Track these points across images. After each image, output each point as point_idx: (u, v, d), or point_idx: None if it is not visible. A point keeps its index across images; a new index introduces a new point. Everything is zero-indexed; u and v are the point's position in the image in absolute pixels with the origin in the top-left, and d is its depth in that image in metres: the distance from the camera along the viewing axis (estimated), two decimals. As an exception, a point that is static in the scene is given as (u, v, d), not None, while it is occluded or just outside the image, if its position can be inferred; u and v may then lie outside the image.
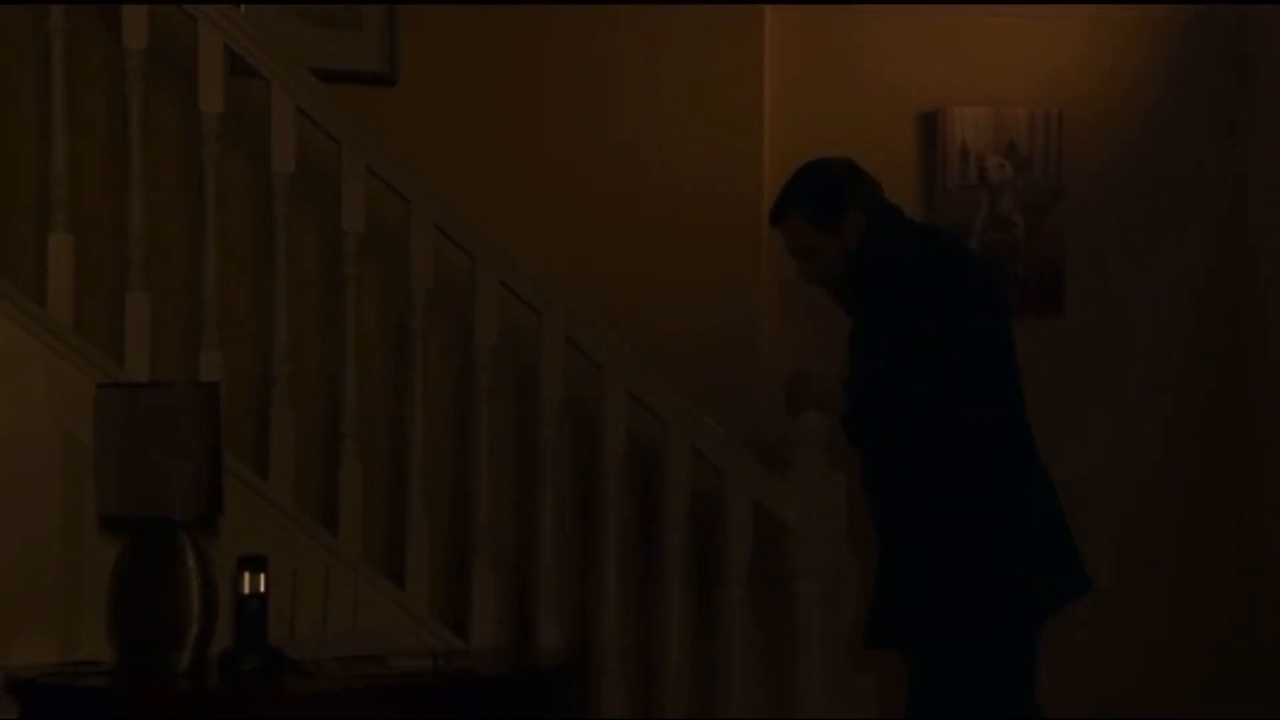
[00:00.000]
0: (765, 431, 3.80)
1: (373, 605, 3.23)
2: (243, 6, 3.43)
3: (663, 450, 3.36)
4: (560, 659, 3.28)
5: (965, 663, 3.10)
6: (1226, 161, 4.35)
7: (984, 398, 3.18)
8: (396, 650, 3.13)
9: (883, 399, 3.15)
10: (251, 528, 3.16)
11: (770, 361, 3.94)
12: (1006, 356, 3.24)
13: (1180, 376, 4.34)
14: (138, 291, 3.21)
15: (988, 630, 3.11)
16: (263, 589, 3.07)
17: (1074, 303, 4.27)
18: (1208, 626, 4.33)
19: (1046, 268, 4.25)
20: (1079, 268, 4.26)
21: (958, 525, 3.13)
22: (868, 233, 3.27)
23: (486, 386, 3.33)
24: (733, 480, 3.33)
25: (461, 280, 3.38)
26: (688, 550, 3.38)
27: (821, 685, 3.30)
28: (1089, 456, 4.26)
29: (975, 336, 3.19)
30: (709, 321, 3.94)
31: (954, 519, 3.13)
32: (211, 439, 3.05)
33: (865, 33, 4.15)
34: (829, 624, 3.34)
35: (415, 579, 3.29)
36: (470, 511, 3.35)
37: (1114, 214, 4.32)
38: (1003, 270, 4.19)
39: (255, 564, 3.07)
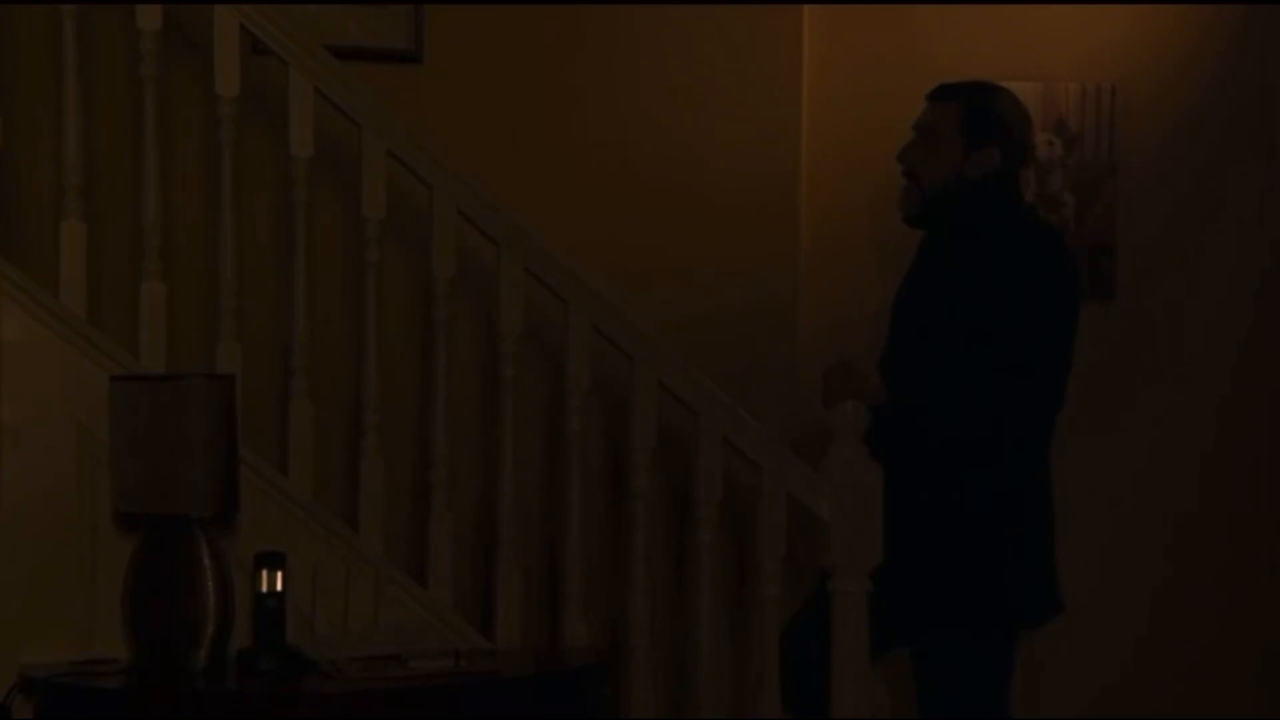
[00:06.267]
0: (801, 419, 3.71)
1: (395, 603, 3.15)
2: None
3: (694, 441, 3.25)
4: (588, 658, 3.19)
5: (968, 658, 3.11)
6: (1286, 139, 4.21)
7: (1055, 409, 3.15)
8: (418, 649, 3.05)
9: (966, 403, 3.07)
10: (270, 524, 3.09)
11: (806, 346, 3.85)
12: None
13: (1237, 364, 4.19)
14: (153, 281, 3.13)
15: (989, 627, 3.12)
16: (280, 587, 3.00)
17: (1126, 286, 4.13)
18: (1268, 620, 4.19)
19: (1097, 249, 4.12)
20: (1131, 250, 4.13)
21: (971, 523, 3.11)
22: (991, 179, 3.16)
23: (511, 377, 3.23)
24: (766, 472, 3.22)
25: (487, 267, 3.29)
26: (720, 546, 3.27)
27: (858, 685, 3.19)
28: (1141, 448, 4.15)
29: (1070, 347, 3.15)
30: (745, 305, 3.86)
31: (967, 517, 3.10)
32: (227, 433, 2.97)
33: (906, 8, 4.02)
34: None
35: (438, 576, 3.20)
36: (496, 506, 3.26)
37: (1168, 194, 4.17)
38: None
39: (273, 561, 3.00)
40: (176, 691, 2.90)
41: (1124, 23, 4.13)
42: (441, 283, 3.21)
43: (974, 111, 3.19)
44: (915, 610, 3.16)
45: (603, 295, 3.22)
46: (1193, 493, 4.20)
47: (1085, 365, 4.10)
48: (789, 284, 3.90)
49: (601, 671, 3.19)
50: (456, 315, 3.27)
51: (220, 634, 2.96)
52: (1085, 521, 4.09)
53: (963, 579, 3.13)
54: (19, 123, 3.21)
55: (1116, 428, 4.16)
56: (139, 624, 2.98)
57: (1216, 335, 4.19)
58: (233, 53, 3.13)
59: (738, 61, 3.87)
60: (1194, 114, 4.15)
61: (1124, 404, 4.16)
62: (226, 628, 2.97)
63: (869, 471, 3.17)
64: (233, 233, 3.16)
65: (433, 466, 3.22)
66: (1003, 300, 3.08)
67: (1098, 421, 4.13)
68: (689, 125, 3.84)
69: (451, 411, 3.23)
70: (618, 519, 3.57)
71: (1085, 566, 4.06)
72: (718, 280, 3.86)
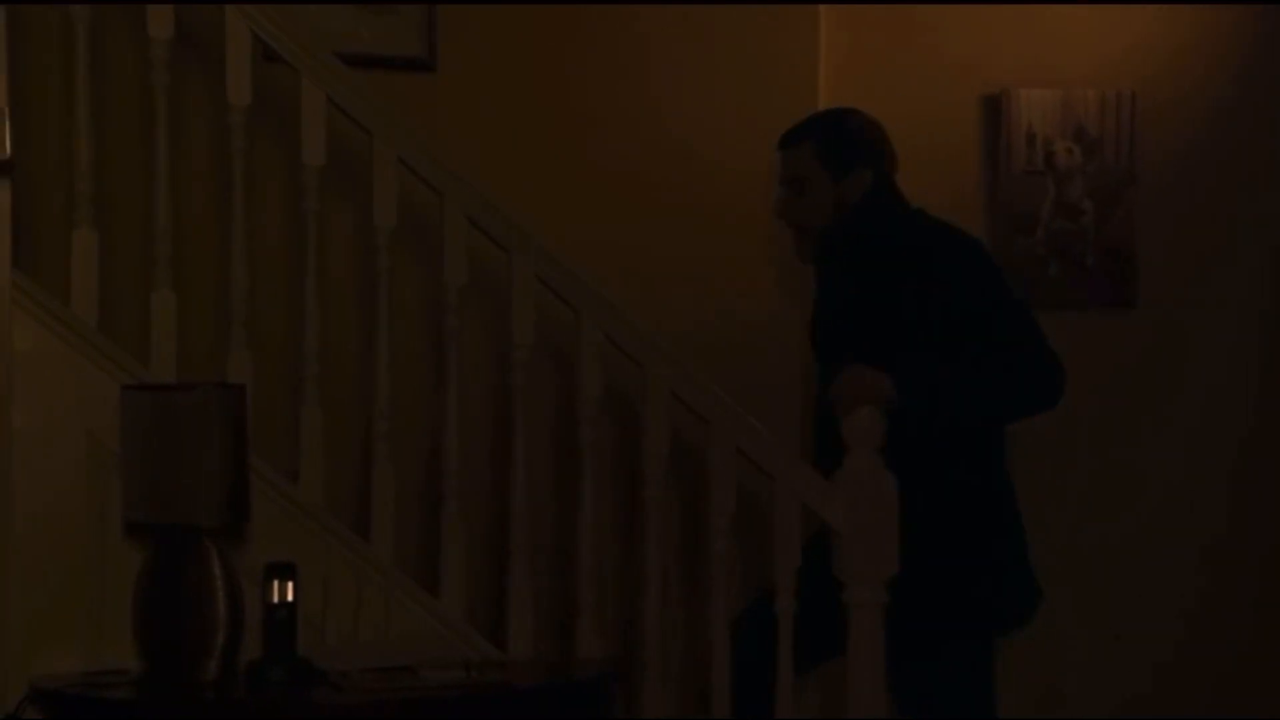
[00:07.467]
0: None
1: (406, 613, 3.13)
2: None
3: (706, 451, 3.22)
4: (599, 669, 3.17)
5: (952, 669, 3.10)
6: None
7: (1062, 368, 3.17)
8: (429, 660, 3.04)
9: (994, 386, 3.08)
10: (281, 533, 3.07)
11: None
12: None
13: (1262, 376, 4.14)
14: (163, 290, 3.12)
15: (982, 631, 3.12)
16: (291, 597, 2.97)
17: (1147, 296, 4.09)
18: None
19: (1117, 258, 4.08)
20: (1152, 258, 4.09)
21: (954, 523, 3.09)
22: (870, 198, 3.17)
23: (523, 386, 3.21)
24: (779, 482, 3.19)
25: (498, 275, 3.27)
26: (733, 556, 3.24)
27: (874, 697, 3.15)
28: (1163, 462, 4.10)
29: None
30: (757, 310, 3.84)
31: (950, 517, 3.08)
32: (238, 443, 2.95)
33: (924, 13, 4.00)
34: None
35: (450, 586, 3.18)
36: (508, 515, 3.24)
37: (1190, 201, 4.13)
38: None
39: (283, 572, 2.98)
40: (187, 703, 2.89)
41: (1143, 28, 4.09)
42: (452, 291, 3.19)
43: (827, 144, 3.20)
44: (900, 618, 3.12)
45: (614, 304, 3.20)
46: (1220, 501, 4.14)
47: (1106, 374, 4.09)
48: (804, 291, 3.87)
49: (613, 681, 3.16)
50: (468, 323, 3.25)
51: (230, 645, 2.95)
52: (1109, 531, 4.07)
53: (944, 588, 3.10)
54: (31, 131, 3.20)
55: (1138, 437, 4.11)
56: (149, 635, 2.97)
57: (1239, 343, 4.14)
58: (244, 61, 3.12)
59: (753, 66, 3.85)
60: (1215, 120, 4.11)
61: (1146, 413, 4.11)
62: (237, 638, 2.95)
63: (885, 481, 3.14)
64: (244, 241, 3.15)
65: (444, 475, 3.20)
66: (957, 290, 3.09)
67: (1120, 431, 4.09)
68: (704, 130, 3.82)
69: (463, 420, 3.21)
70: (630, 527, 3.55)
71: (1110, 576, 4.04)
72: (731, 285, 3.84)
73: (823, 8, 3.91)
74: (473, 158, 3.35)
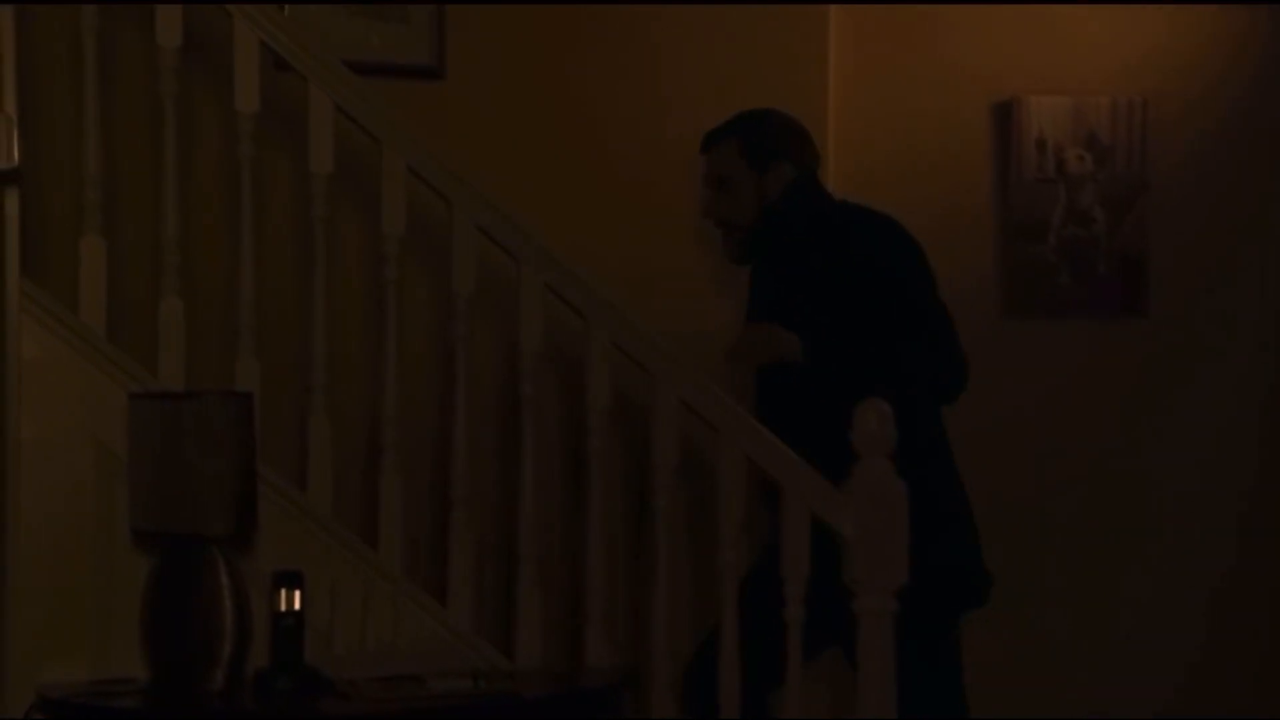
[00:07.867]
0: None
1: (414, 622, 3.13)
2: (286, 7, 3.37)
3: (715, 459, 3.21)
4: (609, 678, 3.15)
5: (916, 656, 3.07)
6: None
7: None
8: (437, 670, 3.04)
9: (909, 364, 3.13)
10: (289, 541, 3.07)
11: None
12: None
13: (1273, 383, 4.11)
14: (172, 297, 3.12)
15: (945, 616, 3.15)
16: (298, 606, 2.97)
17: (1159, 304, 4.07)
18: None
19: (1129, 266, 4.06)
20: (1164, 266, 4.07)
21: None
22: (793, 189, 3.23)
23: (531, 394, 3.20)
24: (789, 490, 3.17)
25: (507, 284, 3.26)
26: (743, 565, 3.23)
27: (885, 703, 3.13)
28: (1177, 471, 4.08)
29: None
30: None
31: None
32: (246, 451, 2.95)
33: (935, 20, 4.00)
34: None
35: (458, 595, 3.17)
36: (516, 524, 3.23)
37: (1202, 209, 4.11)
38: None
39: (290, 580, 2.98)
40: (193, 712, 2.89)
41: (1155, 35, 4.08)
42: (460, 299, 3.19)
43: (748, 139, 3.27)
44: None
45: (622, 312, 3.19)
46: (1230, 509, 4.12)
47: (1117, 382, 4.07)
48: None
49: (622, 691, 3.15)
50: (476, 331, 3.25)
51: (238, 653, 2.94)
52: (1117, 537, 4.05)
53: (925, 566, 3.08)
54: (39, 139, 3.21)
55: (1148, 444, 4.10)
56: (156, 643, 2.97)
57: (1250, 350, 4.12)
58: (253, 69, 3.12)
59: (763, 72, 3.85)
60: (1226, 127, 4.10)
61: (1156, 420, 4.10)
62: (244, 647, 2.95)
63: (895, 488, 3.12)
64: (252, 249, 3.15)
65: (452, 483, 3.20)
66: (890, 274, 3.13)
67: (1130, 438, 4.08)
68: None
69: (471, 428, 3.21)
70: (638, 534, 3.54)
71: (1119, 582, 4.02)
72: (743, 293, 3.81)
73: (833, 11, 3.90)
74: (481, 165, 3.34)
